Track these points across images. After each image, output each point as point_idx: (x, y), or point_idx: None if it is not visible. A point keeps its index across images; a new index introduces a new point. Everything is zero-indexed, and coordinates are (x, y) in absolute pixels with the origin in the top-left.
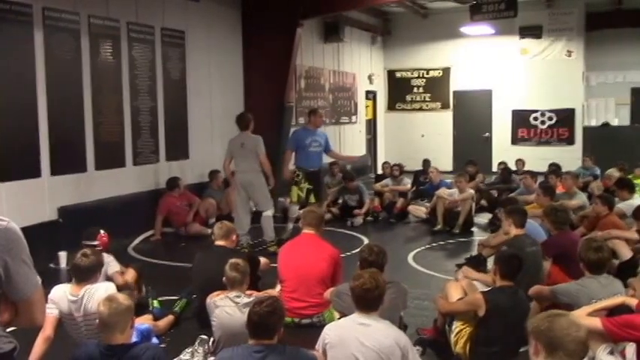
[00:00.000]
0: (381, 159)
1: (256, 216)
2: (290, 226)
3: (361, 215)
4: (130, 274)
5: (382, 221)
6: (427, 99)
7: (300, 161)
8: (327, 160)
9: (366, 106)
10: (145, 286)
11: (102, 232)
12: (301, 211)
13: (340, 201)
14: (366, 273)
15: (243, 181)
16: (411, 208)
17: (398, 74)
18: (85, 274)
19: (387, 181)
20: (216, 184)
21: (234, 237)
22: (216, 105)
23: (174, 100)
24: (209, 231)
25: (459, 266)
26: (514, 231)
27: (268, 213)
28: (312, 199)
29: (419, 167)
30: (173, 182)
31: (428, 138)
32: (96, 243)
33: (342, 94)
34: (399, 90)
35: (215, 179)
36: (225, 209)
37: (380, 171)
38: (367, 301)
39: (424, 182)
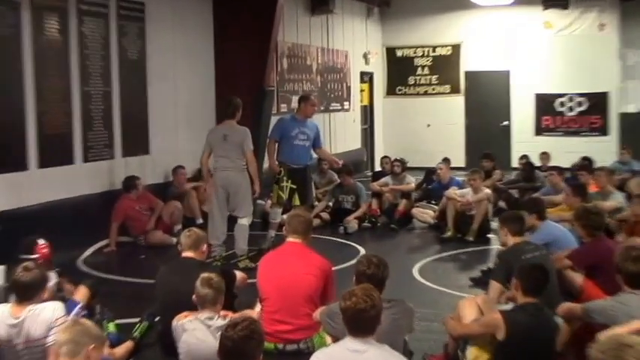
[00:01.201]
0: (379, 153)
1: (230, 222)
2: (272, 233)
3: (356, 220)
4: (81, 293)
5: (382, 227)
6: (434, 81)
7: (283, 155)
8: (315, 156)
9: (361, 91)
10: (100, 307)
11: (41, 242)
12: (285, 216)
13: (331, 203)
14: (359, 290)
15: (223, 180)
16: (415, 211)
17: (399, 52)
18: (27, 292)
19: (387, 179)
20: (179, 181)
21: (204, 247)
22: (182, 90)
23: (132, 84)
24: (174, 240)
25: (474, 281)
26: (511, 240)
27: (245, 221)
28: (295, 200)
29: (425, 163)
30: (131, 182)
31: (435, 128)
32: (35, 256)
33: (332, 76)
34: (401, 71)
35: (178, 176)
36: (190, 213)
37: (378, 167)
38: (361, 323)
39: (432, 181)
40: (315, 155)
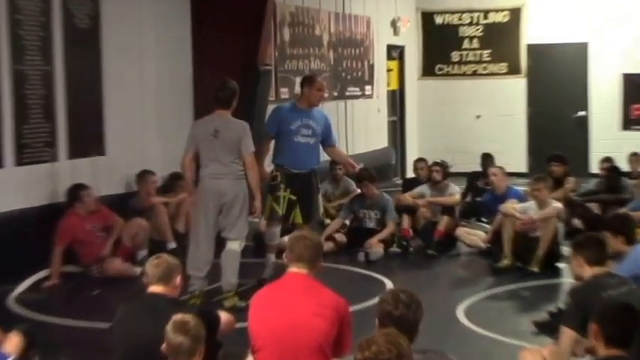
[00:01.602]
0: (411, 154)
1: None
2: (270, 259)
3: (381, 244)
4: (12, 343)
5: (415, 253)
6: (485, 58)
7: (281, 156)
8: (326, 157)
9: (388, 70)
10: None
11: None
12: (285, 238)
13: (348, 221)
14: (382, 336)
15: (214, 192)
16: (461, 232)
17: (438, 19)
18: None
19: (423, 189)
20: (147, 192)
21: (178, 280)
22: (149, 71)
23: (81, 62)
24: (138, 270)
25: (539, 326)
26: (589, 271)
27: (236, 246)
28: (296, 217)
29: (475, 167)
30: (79, 193)
31: (487, 120)
32: None
33: (349, 52)
34: (441, 44)
35: (144, 185)
36: (159, 235)
37: (411, 173)
38: None
39: (482, 191)
40: (325, 156)
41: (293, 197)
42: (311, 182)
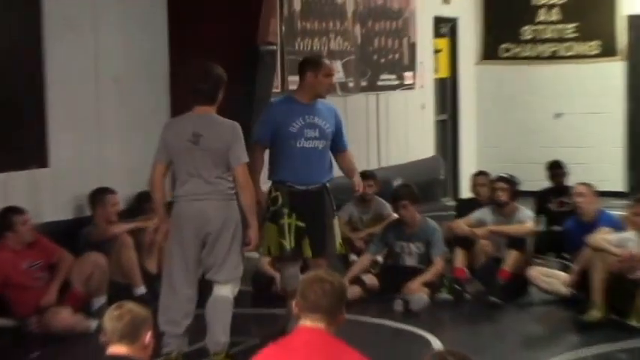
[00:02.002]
0: (468, 166)
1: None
2: (292, 309)
3: (426, 288)
4: None
5: (472, 301)
6: (568, 34)
7: (280, 169)
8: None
9: (436, 52)
10: None
11: None
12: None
13: (381, 257)
14: None
15: (194, 218)
16: (534, 273)
17: None
18: None
19: (484, 213)
20: (105, 217)
21: (147, 337)
22: (109, 52)
23: (13, 39)
24: (93, 325)
25: None
26: None
27: (227, 291)
28: (306, 250)
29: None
30: (11, 219)
31: (570, 120)
32: None
33: (382, 26)
34: (508, 16)
35: (102, 208)
36: (122, 276)
37: (467, 192)
38: None
39: (560, 215)
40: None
41: (301, 224)
42: (323, 202)
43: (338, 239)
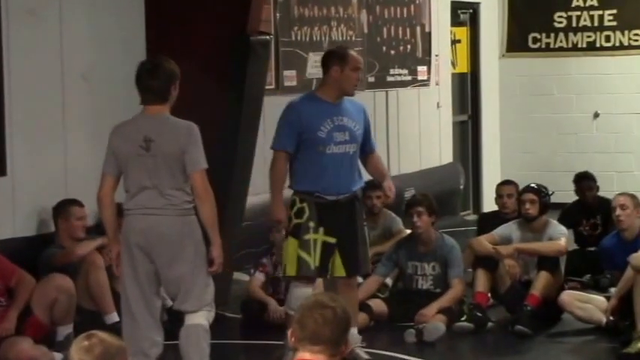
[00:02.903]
0: (491, 175)
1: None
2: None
3: (443, 316)
4: None
5: (496, 329)
6: (608, 22)
7: (306, 178)
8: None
9: (454, 43)
10: None
11: None
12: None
13: (390, 279)
14: None
15: (143, 236)
16: (567, 299)
17: None
18: None
19: (509, 229)
20: (70, 234)
21: None
22: (74, 44)
23: None
24: (58, 358)
25: None
26: None
27: (201, 320)
28: (338, 269)
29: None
30: None
31: (610, 121)
32: None
33: (392, 13)
34: (538, 1)
35: (67, 223)
36: (90, 302)
37: (490, 205)
38: None
39: (593, 240)
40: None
41: (330, 240)
42: (354, 213)
43: (369, 255)
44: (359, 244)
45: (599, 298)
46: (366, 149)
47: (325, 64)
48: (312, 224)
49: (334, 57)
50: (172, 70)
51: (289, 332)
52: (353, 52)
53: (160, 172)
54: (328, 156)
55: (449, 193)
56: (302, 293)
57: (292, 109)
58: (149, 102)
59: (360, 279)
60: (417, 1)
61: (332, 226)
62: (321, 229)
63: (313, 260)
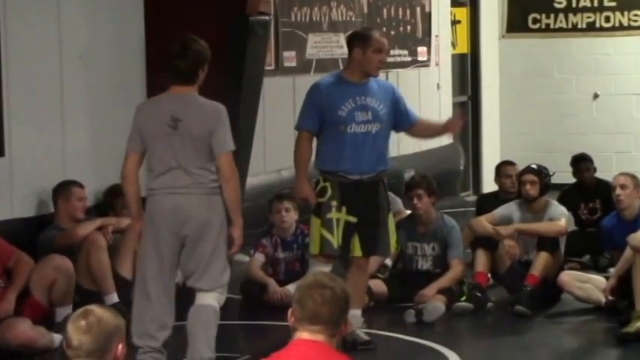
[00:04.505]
0: (491, 156)
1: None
2: None
3: (442, 296)
4: None
5: (495, 310)
6: (608, 3)
7: (329, 158)
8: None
9: (454, 24)
10: None
11: None
12: (291, 286)
13: (390, 260)
14: None
15: (171, 215)
16: (567, 278)
17: None
18: None
19: (509, 210)
20: (69, 215)
21: (119, 350)
22: (71, 24)
23: None
24: (57, 339)
25: None
26: None
27: (212, 301)
28: (355, 248)
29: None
30: None
31: (610, 101)
32: None
33: None
34: None
35: (67, 204)
36: (90, 282)
37: (490, 186)
38: None
39: (591, 223)
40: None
41: (352, 219)
42: (377, 194)
43: (394, 236)
44: (380, 226)
45: (599, 278)
46: (407, 122)
47: (349, 45)
48: (334, 203)
49: (357, 38)
50: (201, 52)
51: (289, 312)
52: (376, 34)
53: (186, 151)
54: (350, 135)
55: (449, 173)
56: (318, 269)
57: (316, 88)
58: (177, 83)
59: None
60: None
61: (354, 205)
62: (344, 209)
63: (336, 239)
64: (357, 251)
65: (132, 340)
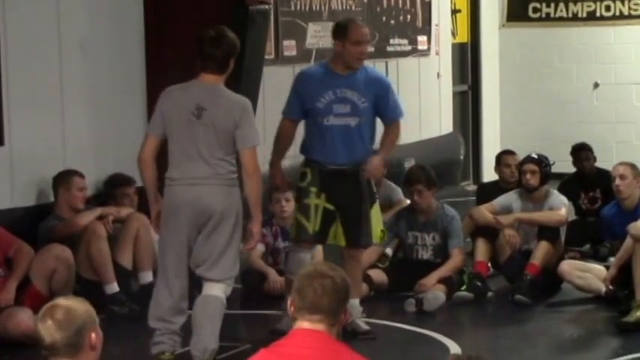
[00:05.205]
0: (491, 145)
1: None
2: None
3: (442, 286)
4: None
5: (496, 299)
6: None
7: (310, 146)
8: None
9: (454, 12)
10: None
11: None
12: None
13: (390, 249)
14: None
15: (190, 205)
16: (567, 267)
17: None
18: None
19: (509, 199)
20: (70, 204)
21: (92, 338)
22: (71, 11)
23: None
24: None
25: None
26: None
27: (219, 292)
28: (337, 236)
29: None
30: None
31: (611, 91)
32: None
33: None
34: None
35: (67, 193)
36: (91, 272)
37: (490, 175)
38: None
39: (591, 213)
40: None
41: (330, 206)
42: (359, 184)
43: (379, 226)
44: (361, 216)
45: (599, 268)
46: (382, 119)
47: (332, 36)
48: (313, 189)
49: (337, 30)
50: (234, 42)
51: (289, 301)
52: (355, 25)
53: (208, 141)
54: (327, 127)
55: (449, 163)
56: (300, 258)
57: (299, 77)
58: (207, 70)
59: None
60: None
61: (334, 193)
62: (323, 195)
63: (312, 225)
64: (340, 241)
65: (149, 323)
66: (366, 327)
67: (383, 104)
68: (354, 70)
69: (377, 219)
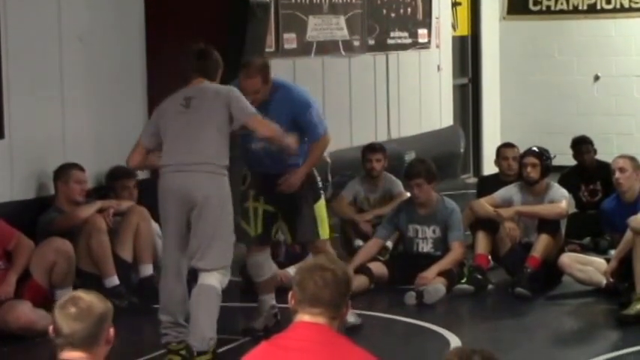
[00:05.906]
0: (491, 138)
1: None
2: (266, 303)
3: (442, 279)
4: None
5: (496, 292)
6: None
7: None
8: (356, 143)
9: (455, 5)
10: None
11: None
12: (291, 270)
13: (390, 242)
14: None
15: (177, 191)
16: (567, 260)
17: None
18: None
19: (510, 192)
20: (70, 197)
21: (111, 334)
22: (71, 5)
23: None
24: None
25: None
26: None
27: (213, 282)
28: (287, 235)
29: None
30: None
31: (611, 83)
32: None
33: None
34: None
35: (67, 187)
36: (91, 265)
37: (490, 168)
38: None
39: (592, 205)
40: (355, 141)
41: (270, 208)
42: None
43: (323, 223)
44: (300, 214)
45: (599, 261)
46: (308, 139)
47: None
48: (252, 192)
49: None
50: (218, 60)
51: (290, 294)
52: (252, 61)
53: (197, 128)
54: (252, 151)
55: (449, 156)
56: (252, 261)
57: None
58: (197, 74)
59: (360, 242)
60: None
61: (271, 195)
62: (262, 198)
63: (254, 229)
64: (288, 238)
65: (158, 316)
66: (353, 320)
67: (300, 126)
68: (274, 92)
69: (322, 215)
